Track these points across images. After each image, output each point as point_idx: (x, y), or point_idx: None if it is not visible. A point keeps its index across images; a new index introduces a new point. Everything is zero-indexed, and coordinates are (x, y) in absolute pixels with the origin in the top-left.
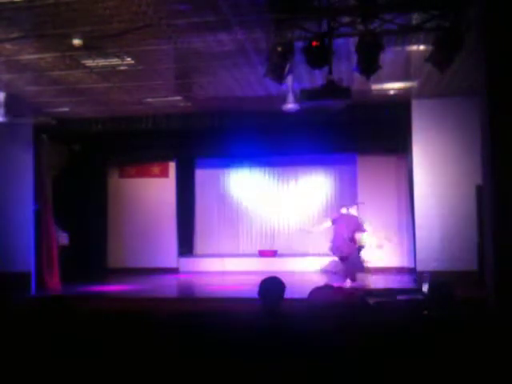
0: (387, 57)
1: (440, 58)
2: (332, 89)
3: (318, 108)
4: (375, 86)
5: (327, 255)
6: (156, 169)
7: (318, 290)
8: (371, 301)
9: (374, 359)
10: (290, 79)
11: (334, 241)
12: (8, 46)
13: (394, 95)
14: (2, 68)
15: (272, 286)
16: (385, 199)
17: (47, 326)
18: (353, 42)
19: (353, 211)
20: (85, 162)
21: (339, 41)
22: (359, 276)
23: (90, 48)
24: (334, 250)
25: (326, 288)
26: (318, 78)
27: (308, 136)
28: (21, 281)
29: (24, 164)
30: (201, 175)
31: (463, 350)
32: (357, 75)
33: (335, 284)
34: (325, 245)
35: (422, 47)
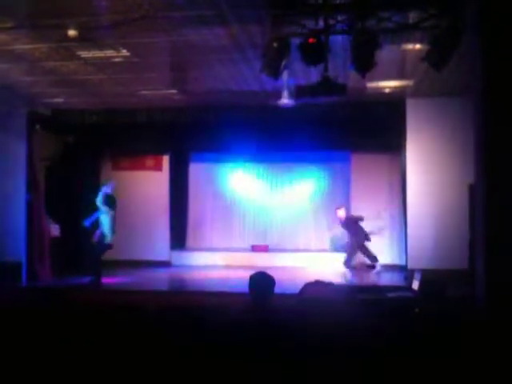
0: (383, 55)
1: (436, 57)
2: (327, 85)
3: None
4: (370, 84)
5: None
6: (150, 162)
7: (309, 286)
8: (361, 298)
9: (364, 356)
10: (285, 75)
11: None
12: (2, 35)
13: (390, 93)
14: None
15: (261, 280)
16: (378, 197)
17: (39, 317)
18: (349, 39)
19: None
20: (78, 154)
21: (335, 38)
22: None
23: (86, 39)
24: None
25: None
26: (314, 75)
27: (302, 132)
28: (12, 271)
29: (17, 155)
30: (194, 169)
31: (454, 348)
32: (352, 73)
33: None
34: (315, 240)
35: (418, 46)
